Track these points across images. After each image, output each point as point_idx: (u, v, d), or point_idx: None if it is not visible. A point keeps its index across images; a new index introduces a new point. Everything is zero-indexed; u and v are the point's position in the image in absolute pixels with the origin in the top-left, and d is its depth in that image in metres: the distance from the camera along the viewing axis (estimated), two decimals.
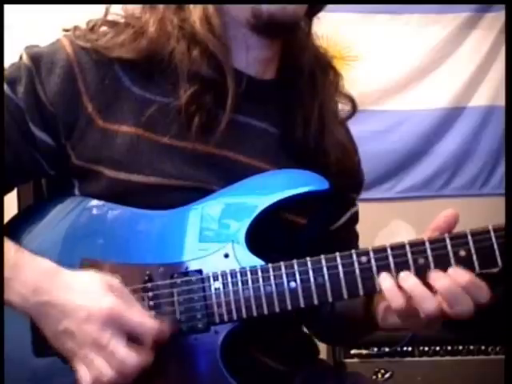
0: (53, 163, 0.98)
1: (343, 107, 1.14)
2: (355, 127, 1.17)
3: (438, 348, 2.20)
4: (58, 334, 0.84)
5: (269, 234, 0.95)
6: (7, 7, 1.20)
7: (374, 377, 2.13)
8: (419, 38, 2.65)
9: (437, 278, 0.86)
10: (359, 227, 1.21)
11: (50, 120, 0.95)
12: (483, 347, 2.20)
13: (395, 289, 0.86)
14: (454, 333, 2.22)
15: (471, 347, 2.20)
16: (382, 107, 2.65)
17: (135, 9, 1.01)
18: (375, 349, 2.20)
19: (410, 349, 2.20)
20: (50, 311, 0.84)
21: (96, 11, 1.02)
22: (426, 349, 2.21)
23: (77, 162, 0.96)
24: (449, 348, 2.20)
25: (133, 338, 0.83)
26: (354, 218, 1.19)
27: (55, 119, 0.95)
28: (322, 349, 2.22)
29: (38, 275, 0.86)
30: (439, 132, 2.70)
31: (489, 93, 2.69)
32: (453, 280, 0.85)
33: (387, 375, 2.14)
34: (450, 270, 0.86)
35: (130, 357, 0.82)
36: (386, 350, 2.19)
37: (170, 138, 0.95)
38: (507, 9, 1.43)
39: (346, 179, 1.08)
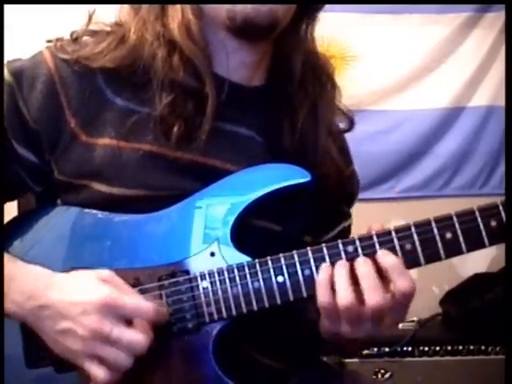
0: (38, 180, 0.98)
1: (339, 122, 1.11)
2: (355, 127, 1.15)
3: (437, 348, 2.21)
4: (56, 335, 0.84)
5: (245, 243, 0.93)
6: (7, 7, 1.20)
7: (374, 377, 2.14)
8: (419, 37, 2.63)
9: (358, 264, 0.87)
10: (359, 227, 1.19)
11: (34, 137, 0.94)
12: (483, 347, 2.20)
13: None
14: (453, 333, 2.23)
15: (471, 347, 2.20)
16: (382, 107, 2.63)
17: (123, 15, 0.99)
18: (375, 349, 2.20)
19: (409, 349, 2.21)
20: (46, 314, 0.84)
21: (96, 12, 1.01)
22: (426, 349, 2.21)
23: (59, 176, 0.95)
24: (449, 348, 2.21)
25: (131, 324, 0.83)
26: (346, 233, 1.14)
27: (39, 136, 0.94)
28: None
29: (32, 281, 0.86)
30: (439, 132, 2.69)
31: (489, 93, 2.68)
32: (374, 265, 0.86)
33: (387, 375, 2.15)
34: (378, 253, 0.87)
35: (136, 337, 0.82)
36: (386, 350, 2.20)
37: (152, 148, 0.94)
38: (507, 9, 1.43)
39: (333, 190, 1.05)
